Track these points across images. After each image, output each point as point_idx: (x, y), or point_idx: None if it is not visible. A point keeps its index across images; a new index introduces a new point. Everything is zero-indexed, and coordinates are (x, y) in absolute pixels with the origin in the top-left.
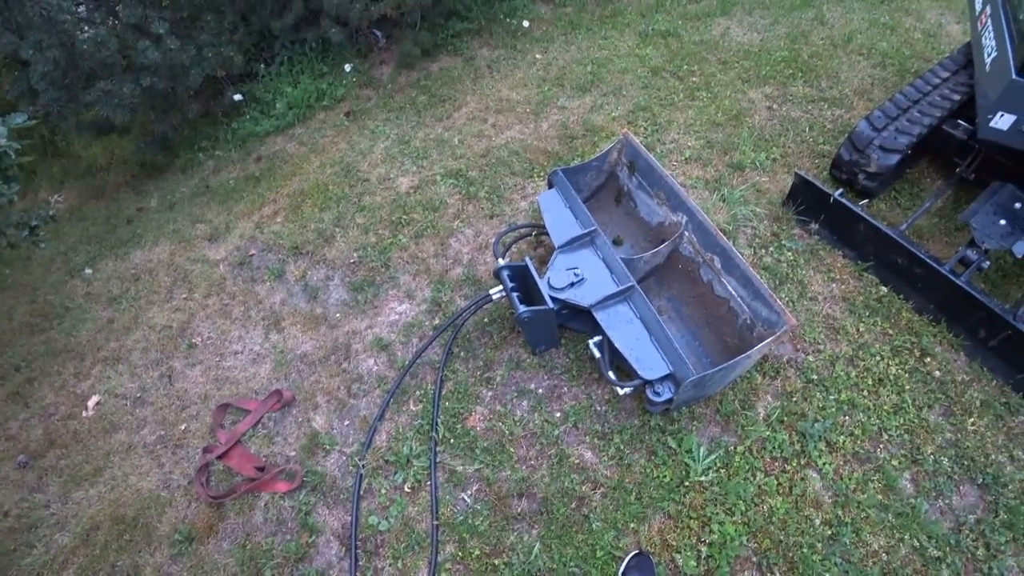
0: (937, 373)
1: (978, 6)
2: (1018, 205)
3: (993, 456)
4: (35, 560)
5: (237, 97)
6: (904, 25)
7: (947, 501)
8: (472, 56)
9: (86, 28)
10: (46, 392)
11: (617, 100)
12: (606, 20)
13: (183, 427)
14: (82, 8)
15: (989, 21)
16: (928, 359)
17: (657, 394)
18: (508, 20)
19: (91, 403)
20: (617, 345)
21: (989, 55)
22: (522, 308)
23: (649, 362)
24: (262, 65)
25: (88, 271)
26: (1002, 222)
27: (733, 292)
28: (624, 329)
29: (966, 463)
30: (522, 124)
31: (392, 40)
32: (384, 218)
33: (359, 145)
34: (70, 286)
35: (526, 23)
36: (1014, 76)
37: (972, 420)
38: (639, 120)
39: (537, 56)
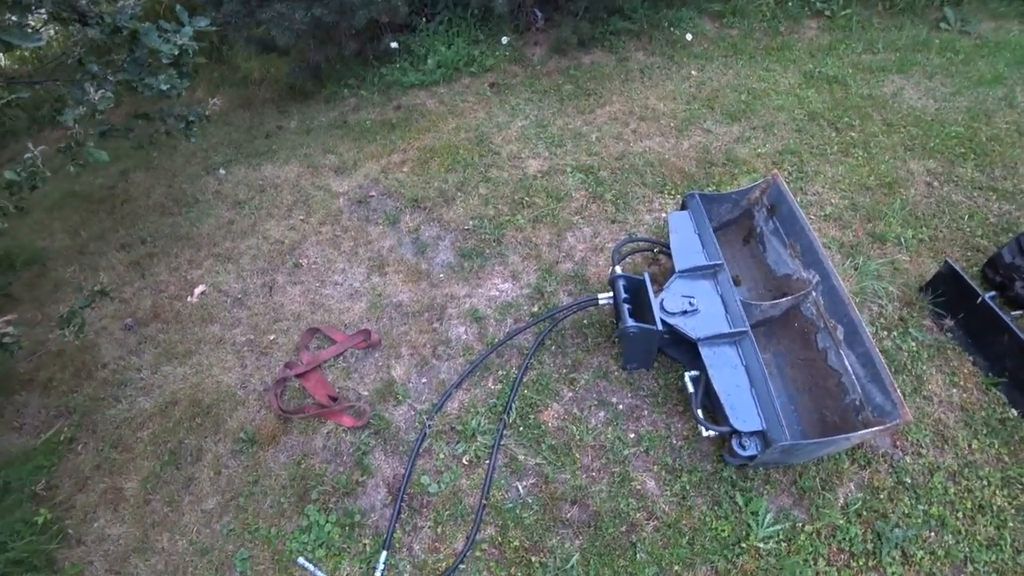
0: None
1: None
2: None
3: None
4: (118, 414)
5: (393, 44)
6: None
7: None
8: (626, 57)
9: None
10: (161, 270)
11: (766, 137)
12: (771, 52)
13: (271, 337)
14: None
15: None
16: None
17: (742, 447)
18: (671, 29)
19: (197, 291)
20: (715, 386)
21: None
22: (631, 322)
23: (744, 413)
24: (423, 20)
25: (222, 171)
26: None
27: (849, 367)
28: (726, 372)
29: None
30: (663, 137)
31: (551, 23)
32: (507, 195)
33: (497, 118)
34: (203, 181)
35: (689, 36)
36: None
37: None
38: (785, 163)
39: (693, 72)
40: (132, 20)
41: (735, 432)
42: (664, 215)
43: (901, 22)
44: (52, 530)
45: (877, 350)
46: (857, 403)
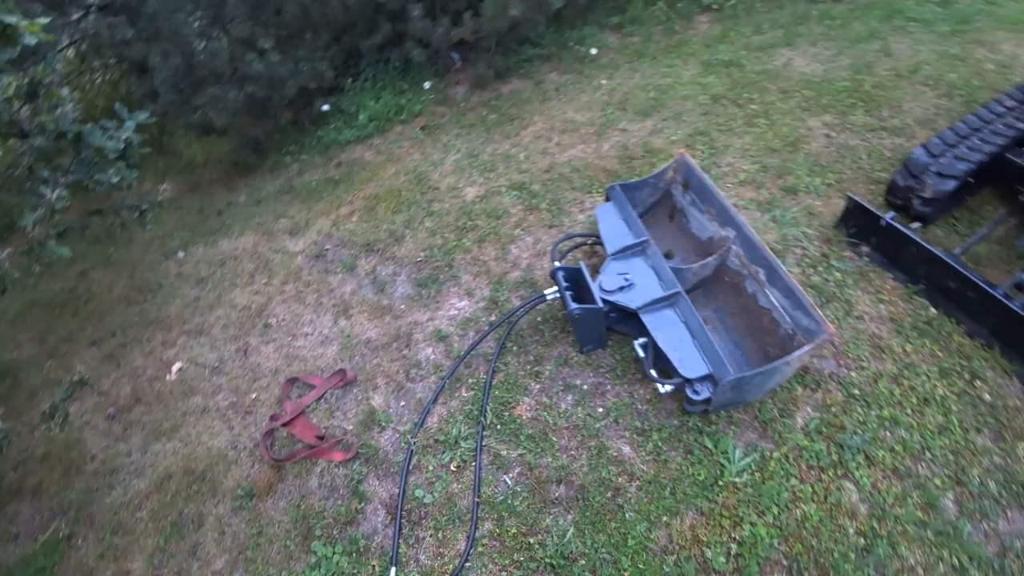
0: (987, 397)
1: None
2: None
3: None
4: (114, 500)
5: (325, 107)
6: (975, 56)
7: (992, 525)
8: (541, 80)
9: (203, 41)
10: (136, 356)
11: (677, 125)
12: (671, 50)
13: (253, 396)
14: (198, 23)
15: None
16: (978, 382)
17: (696, 392)
18: (577, 48)
19: (175, 368)
20: (661, 346)
21: None
22: (574, 305)
23: (690, 362)
24: (349, 80)
25: (181, 254)
26: None
27: (776, 303)
28: (668, 331)
29: (1015, 488)
30: (584, 144)
31: (468, 62)
32: (451, 223)
33: (432, 157)
34: (164, 266)
35: (594, 51)
36: None
37: (1023, 445)
38: (697, 144)
39: (603, 82)
40: (74, 123)
41: (687, 381)
42: (596, 210)
43: (781, 3)
44: None
45: (795, 281)
46: (790, 332)
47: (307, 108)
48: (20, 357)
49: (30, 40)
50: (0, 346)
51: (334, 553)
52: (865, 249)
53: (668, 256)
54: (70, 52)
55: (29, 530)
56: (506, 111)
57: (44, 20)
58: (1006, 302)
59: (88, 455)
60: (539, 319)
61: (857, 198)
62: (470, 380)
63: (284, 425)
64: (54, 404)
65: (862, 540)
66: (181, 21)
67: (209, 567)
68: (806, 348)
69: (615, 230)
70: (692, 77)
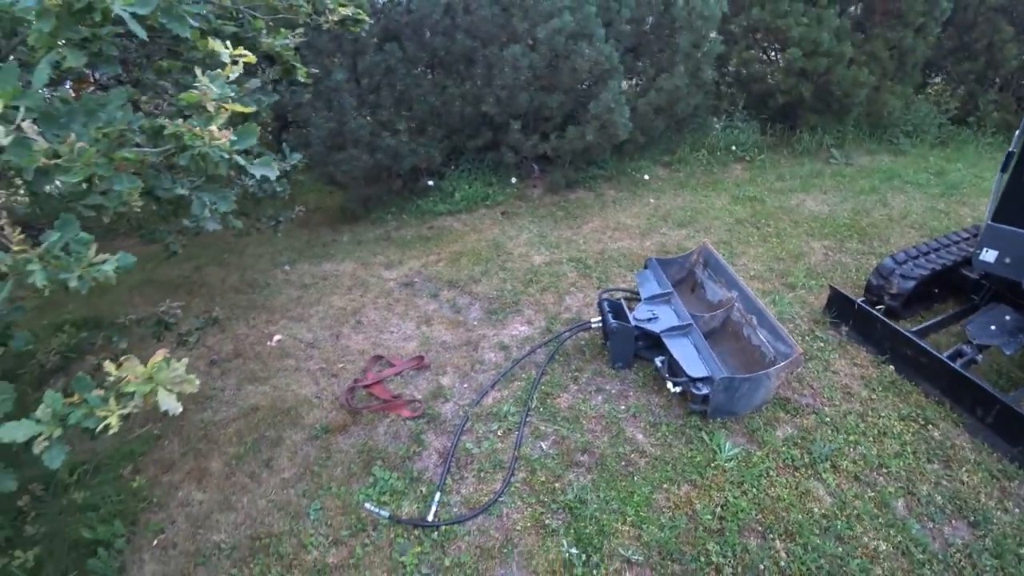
0: (938, 435)
1: None
2: (1007, 317)
3: (985, 502)
4: (204, 419)
5: (430, 183)
6: (958, 212)
7: (938, 527)
8: (602, 193)
9: (355, 116)
10: (241, 327)
11: (705, 234)
12: (708, 185)
13: (340, 366)
14: (355, 103)
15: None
16: (931, 426)
17: (698, 388)
18: (633, 173)
19: (275, 339)
20: (675, 356)
21: (988, 207)
22: (613, 322)
23: (695, 367)
24: (452, 167)
25: (287, 267)
26: (992, 327)
27: (764, 339)
28: (681, 348)
29: (959, 503)
30: (631, 240)
31: (544, 172)
32: (519, 277)
33: (508, 232)
34: (272, 273)
35: (647, 176)
36: (989, 221)
37: (968, 474)
38: (720, 249)
39: (651, 200)
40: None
41: (692, 380)
42: (636, 274)
43: (802, 161)
44: (138, 497)
45: (778, 322)
46: (772, 357)
47: (414, 181)
48: (135, 317)
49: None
50: (116, 306)
51: (390, 477)
52: (844, 328)
53: None
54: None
55: (123, 430)
56: (571, 211)
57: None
58: (949, 363)
59: None
60: (583, 344)
61: (837, 287)
62: (522, 376)
63: (365, 386)
64: (190, 330)
65: (825, 520)
66: (345, 101)
67: (279, 475)
68: (782, 364)
69: (649, 284)
70: (722, 205)
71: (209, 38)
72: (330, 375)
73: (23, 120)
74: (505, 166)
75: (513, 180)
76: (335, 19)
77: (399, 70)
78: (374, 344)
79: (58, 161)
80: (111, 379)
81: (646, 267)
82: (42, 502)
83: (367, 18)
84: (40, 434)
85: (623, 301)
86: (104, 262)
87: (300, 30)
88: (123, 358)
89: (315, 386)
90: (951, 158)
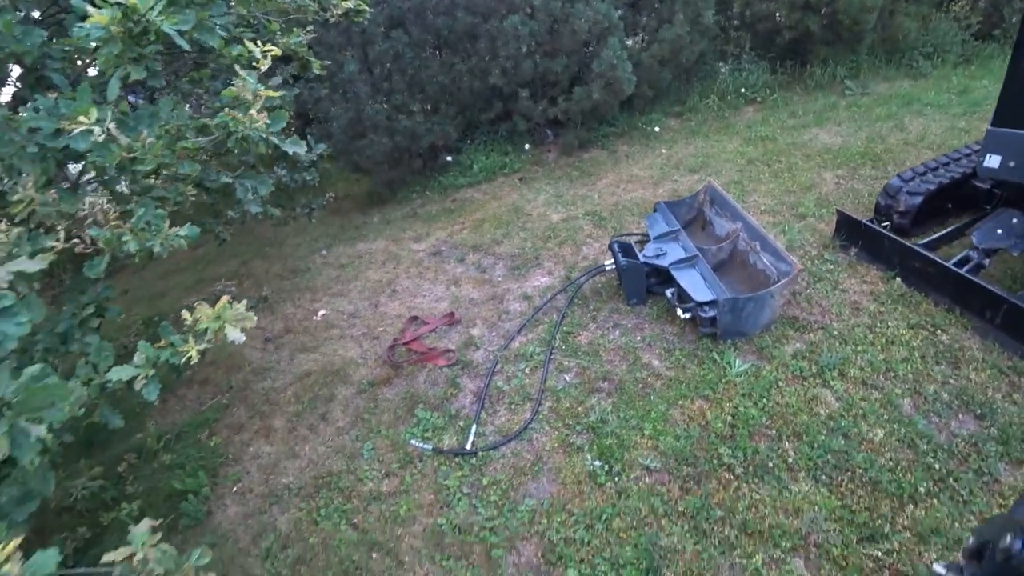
0: (946, 340)
1: None
2: (1014, 220)
3: (992, 396)
4: (265, 386)
5: (449, 158)
6: (980, 129)
7: (944, 421)
8: (614, 150)
9: (371, 104)
10: (288, 307)
11: (717, 177)
12: (719, 130)
13: (380, 329)
14: (370, 92)
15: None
16: (940, 332)
17: (705, 311)
18: (644, 127)
19: (319, 313)
20: (683, 285)
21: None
22: (624, 260)
23: (701, 292)
24: (468, 141)
25: (324, 251)
26: (999, 231)
27: (767, 263)
28: (688, 277)
29: (965, 399)
30: (644, 189)
31: (557, 137)
32: (539, 234)
33: (526, 196)
34: (311, 258)
35: (658, 128)
36: (990, 126)
37: (975, 372)
38: (731, 188)
39: (663, 150)
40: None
41: (698, 305)
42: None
43: (815, 96)
44: (216, 454)
45: (778, 242)
46: (776, 279)
47: (434, 159)
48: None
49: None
50: (175, 303)
51: (431, 417)
52: (853, 250)
53: None
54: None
55: (196, 403)
56: (586, 169)
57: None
58: (956, 270)
59: (246, 362)
60: (599, 286)
61: (845, 211)
62: (545, 319)
63: (404, 344)
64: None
65: (831, 421)
66: (360, 90)
67: (334, 425)
68: (784, 281)
69: (658, 225)
70: (734, 147)
71: (245, 41)
72: (371, 338)
73: (110, 123)
74: (519, 134)
75: (527, 147)
76: (339, 12)
77: (407, 54)
78: (409, 308)
79: (134, 155)
80: (187, 325)
81: (655, 210)
82: (137, 467)
83: (367, 7)
84: (139, 375)
85: (632, 243)
86: (177, 234)
87: (310, 27)
88: (195, 304)
89: (359, 349)
90: (975, 75)
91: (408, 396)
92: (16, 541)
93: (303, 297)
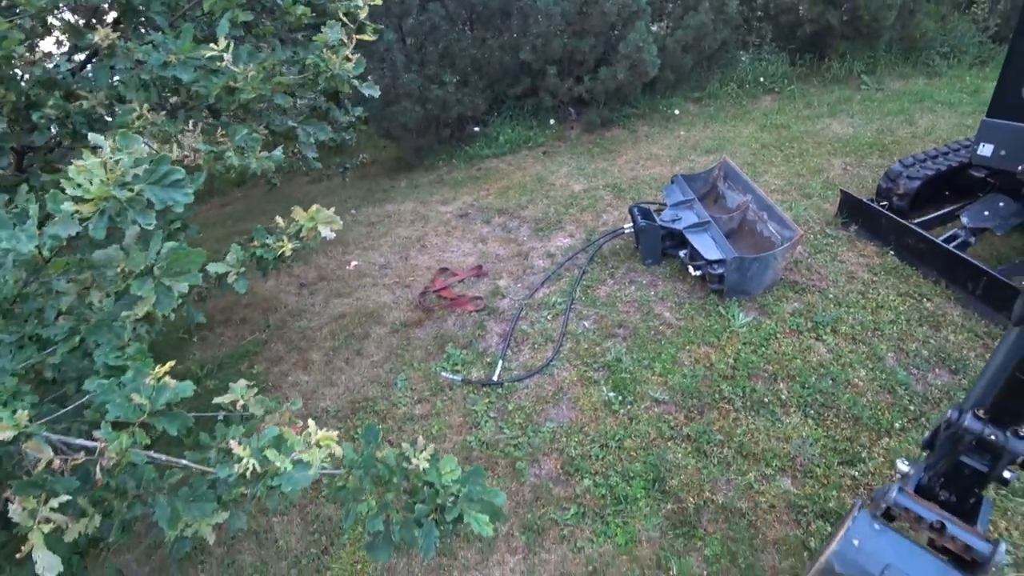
0: (930, 307)
1: None
2: (1001, 204)
3: (967, 354)
4: (301, 325)
5: (476, 129)
6: None
7: (922, 373)
8: (635, 130)
9: (406, 73)
10: (321, 258)
11: (732, 159)
12: (737, 116)
13: (411, 279)
14: (405, 61)
15: None
16: (925, 300)
17: (714, 268)
18: (664, 110)
19: (352, 264)
20: (695, 246)
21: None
22: (642, 221)
23: (711, 252)
24: (495, 113)
25: (354, 211)
26: (986, 213)
27: (773, 230)
28: (700, 240)
29: (943, 356)
30: (662, 167)
31: (581, 114)
32: (561, 202)
33: (549, 168)
34: (341, 217)
35: (677, 112)
36: (985, 117)
37: (954, 335)
38: (744, 169)
39: (681, 132)
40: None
41: (708, 263)
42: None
43: (832, 89)
44: (257, 381)
45: (783, 211)
46: (780, 242)
47: (461, 130)
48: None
49: None
50: (210, 253)
51: (460, 353)
52: (853, 227)
53: None
54: None
55: (235, 339)
56: (607, 146)
57: None
58: (943, 245)
59: (282, 304)
60: (617, 248)
61: (848, 190)
62: (567, 274)
63: (435, 291)
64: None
65: (822, 368)
66: (396, 58)
67: (369, 359)
68: (786, 245)
69: (674, 194)
70: (749, 133)
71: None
72: (403, 286)
73: (228, 54)
74: (544, 110)
75: (552, 122)
76: None
77: (442, 27)
78: (438, 261)
79: (236, 85)
80: (279, 228)
81: (672, 182)
82: None
83: None
84: (231, 271)
85: (650, 208)
86: (267, 156)
87: None
88: (291, 208)
89: (391, 295)
90: (989, 77)
91: (439, 336)
92: (168, 366)
93: (335, 250)
